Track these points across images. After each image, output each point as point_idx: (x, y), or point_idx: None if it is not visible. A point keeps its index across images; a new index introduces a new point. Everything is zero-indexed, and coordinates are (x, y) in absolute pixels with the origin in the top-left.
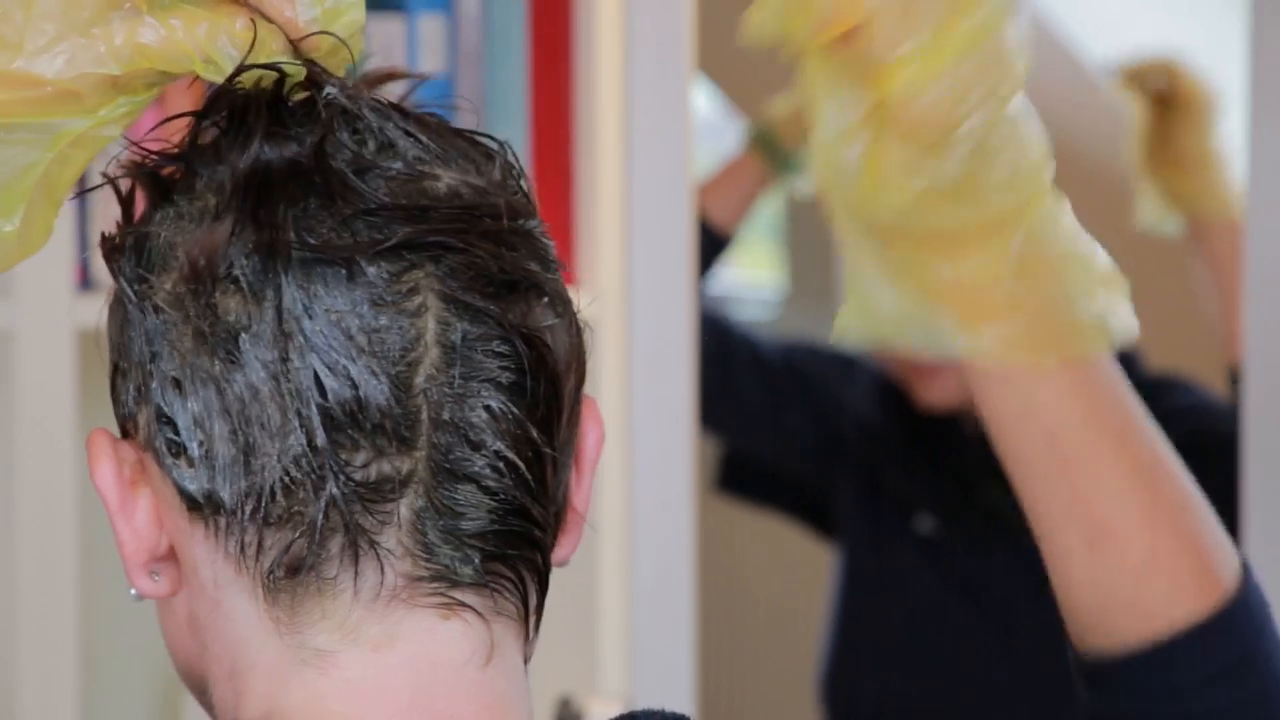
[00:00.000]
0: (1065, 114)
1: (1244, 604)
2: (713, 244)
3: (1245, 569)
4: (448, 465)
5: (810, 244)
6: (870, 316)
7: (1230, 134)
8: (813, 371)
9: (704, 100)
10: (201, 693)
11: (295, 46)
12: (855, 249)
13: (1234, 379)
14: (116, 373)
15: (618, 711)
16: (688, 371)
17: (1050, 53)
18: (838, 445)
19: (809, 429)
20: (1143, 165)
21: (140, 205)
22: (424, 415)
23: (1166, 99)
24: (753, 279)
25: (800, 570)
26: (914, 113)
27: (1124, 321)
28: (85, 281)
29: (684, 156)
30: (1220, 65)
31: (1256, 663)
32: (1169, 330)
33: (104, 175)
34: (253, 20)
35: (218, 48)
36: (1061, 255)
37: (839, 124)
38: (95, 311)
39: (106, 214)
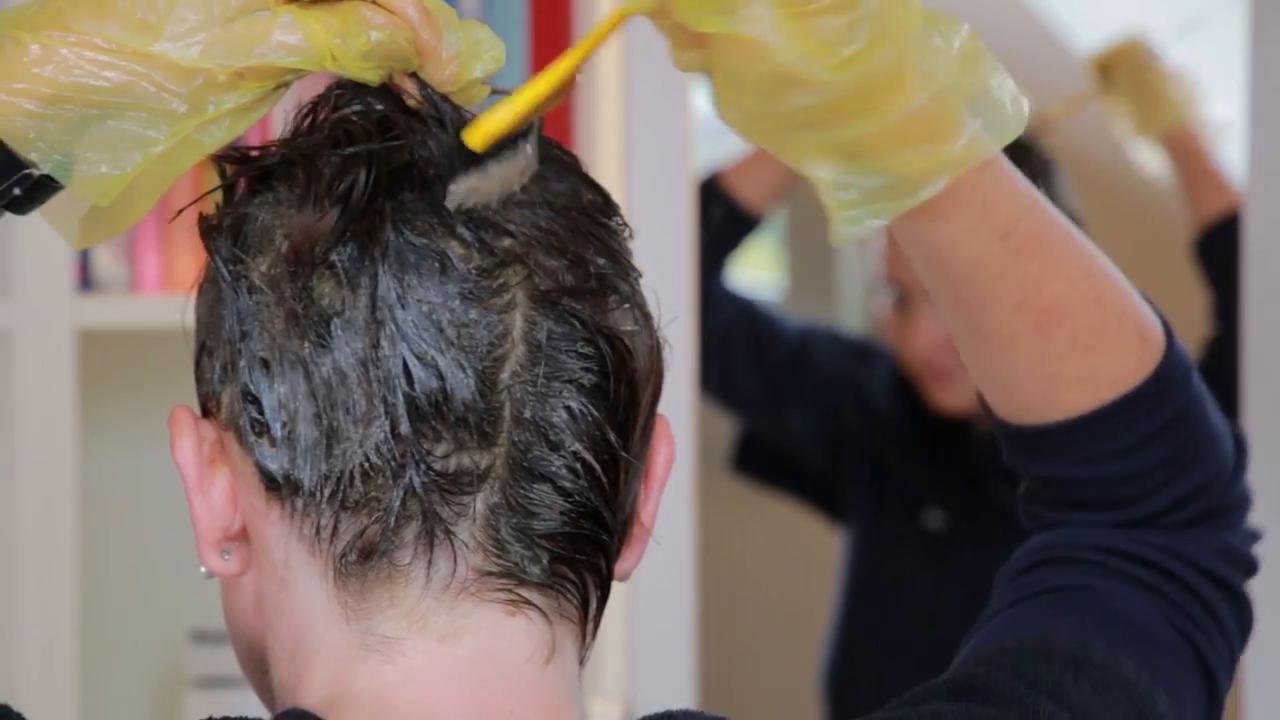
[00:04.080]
0: (1052, 102)
1: (1172, 359)
2: (743, 223)
3: (1165, 324)
4: (526, 464)
5: (810, 244)
6: (860, 211)
7: (1231, 134)
8: (828, 361)
9: (704, 100)
10: (261, 674)
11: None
12: (814, 163)
13: (1200, 247)
14: (203, 351)
15: (619, 712)
16: (688, 371)
17: (1049, 51)
18: (846, 442)
19: (813, 427)
20: (1129, 128)
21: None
22: (506, 412)
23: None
24: (753, 279)
25: (802, 570)
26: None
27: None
28: (85, 281)
29: (684, 156)
30: (1220, 64)
31: (1186, 415)
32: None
33: (210, 157)
34: (387, 30)
35: (350, 51)
36: (959, 61)
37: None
38: (95, 311)
39: None
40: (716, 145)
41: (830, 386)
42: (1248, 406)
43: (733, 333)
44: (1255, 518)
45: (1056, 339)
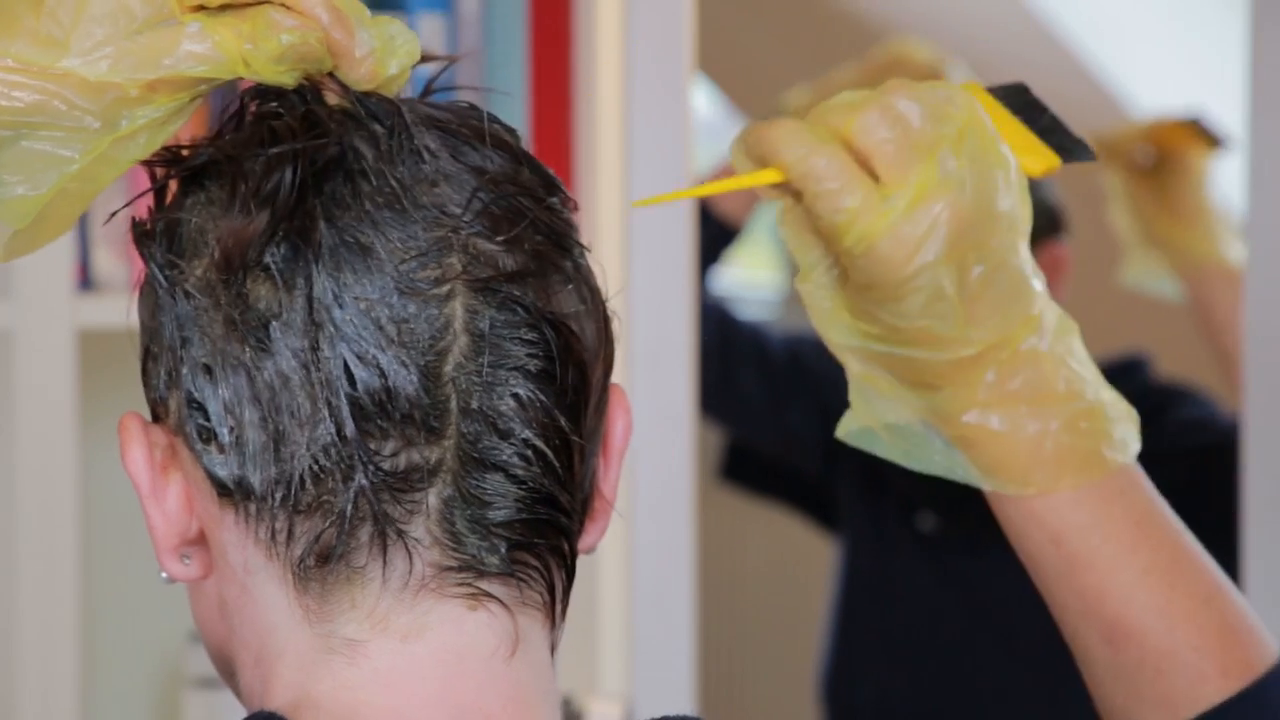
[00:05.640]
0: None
1: (1266, 684)
2: (723, 236)
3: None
4: (476, 454)
5: None
6: (873, 421)
7: (1231, 133)
8: (819, 367)
9: (704, 100)
10: (229, 676)
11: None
12: (851, 365)
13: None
14: (148, 356)
15: (619, 712)
16: (688, 371)
17: (1049, 51)
18: (840, 444)
19: (811, 428)
20: (1131, 226)
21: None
22: (453, 404)
23: (1157, 163)
24: (753, 279)
25: (800, 570)
26: (864, 266)
27: (1128, 450)
28: (85, 281)
29: (684, 156)
30: (1220, 65)
31: None
32: (1183, 339)
33: (140, 161)
34: (298, 32)
35: (262, 56)
36: (1059, 387)
37: (807, 261)
38: (95, 311)
39: (105, 213)
40: (716, 145)
41: (824, 389)
42: (1249, 408)
43: (733, 336)
44: (1258, 531)
45: (1126, 654)
